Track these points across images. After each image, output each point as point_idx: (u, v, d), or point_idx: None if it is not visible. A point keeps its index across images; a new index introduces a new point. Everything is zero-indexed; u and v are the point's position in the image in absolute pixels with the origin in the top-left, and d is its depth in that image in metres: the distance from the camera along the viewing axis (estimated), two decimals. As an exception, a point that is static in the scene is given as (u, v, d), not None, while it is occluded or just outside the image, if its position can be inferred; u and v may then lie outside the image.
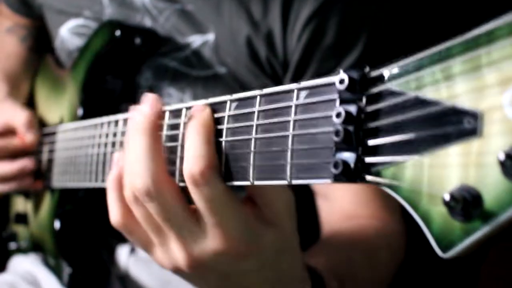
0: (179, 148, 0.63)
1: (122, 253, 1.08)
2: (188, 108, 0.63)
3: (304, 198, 1.00)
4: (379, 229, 0.89)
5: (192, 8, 0.96)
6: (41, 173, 1.07)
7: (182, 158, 0.60)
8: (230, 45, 0.93)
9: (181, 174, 0.57)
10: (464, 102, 0.39)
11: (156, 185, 0.56)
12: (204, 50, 0.95)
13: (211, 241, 0.56)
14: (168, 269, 0.62)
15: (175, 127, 0.63)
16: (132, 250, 1.08)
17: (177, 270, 0.61)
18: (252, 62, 0.93)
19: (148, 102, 0.61)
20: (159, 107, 0.61)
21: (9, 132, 1.10)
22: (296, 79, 0.91)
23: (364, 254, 0.83)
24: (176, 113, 0.64)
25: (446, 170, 0.40)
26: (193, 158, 0.55)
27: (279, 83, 0.93)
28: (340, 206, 0.93)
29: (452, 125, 0.39)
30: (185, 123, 0.62)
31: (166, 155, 0.61)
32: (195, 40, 0.96)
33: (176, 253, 0.59)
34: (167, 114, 0.65)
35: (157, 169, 0.57)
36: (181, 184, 0.59)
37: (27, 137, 1.08)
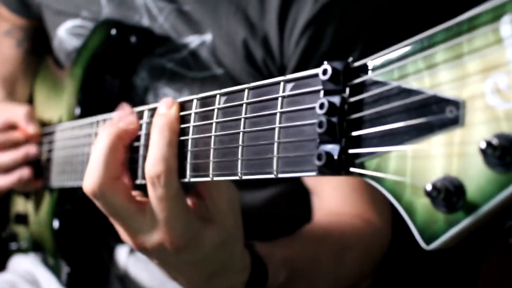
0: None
1: (121, 253, 1.08)
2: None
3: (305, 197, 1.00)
4: (357, 228, 0.89)
5: (189, 9, 0.95)
6: (41, 173, 1.07)
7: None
8: (227, 47, 0.93)
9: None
10: (447, 90, 0.38)
11: (100, 188, 0.63)
12: (201, 50, 0.95)
13: (156, 233, 0.63)
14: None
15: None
16: (132, 250, 1.08)
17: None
18: (248, 64, 0.93)
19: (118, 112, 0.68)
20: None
21: (11, 128, 1.10)
22: None
23: (331, 250, 0.85)
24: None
25: (429, 160, 0.39)
26: (153, 161, 0.60)
27: None
28: (327, 203, 0.94)
29: (435, 114, 0.39)
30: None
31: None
32: (193, 41, 0.95)
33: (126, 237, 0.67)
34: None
35: (104, 174, 0.63)
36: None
37: (29, 128, 1.08)
